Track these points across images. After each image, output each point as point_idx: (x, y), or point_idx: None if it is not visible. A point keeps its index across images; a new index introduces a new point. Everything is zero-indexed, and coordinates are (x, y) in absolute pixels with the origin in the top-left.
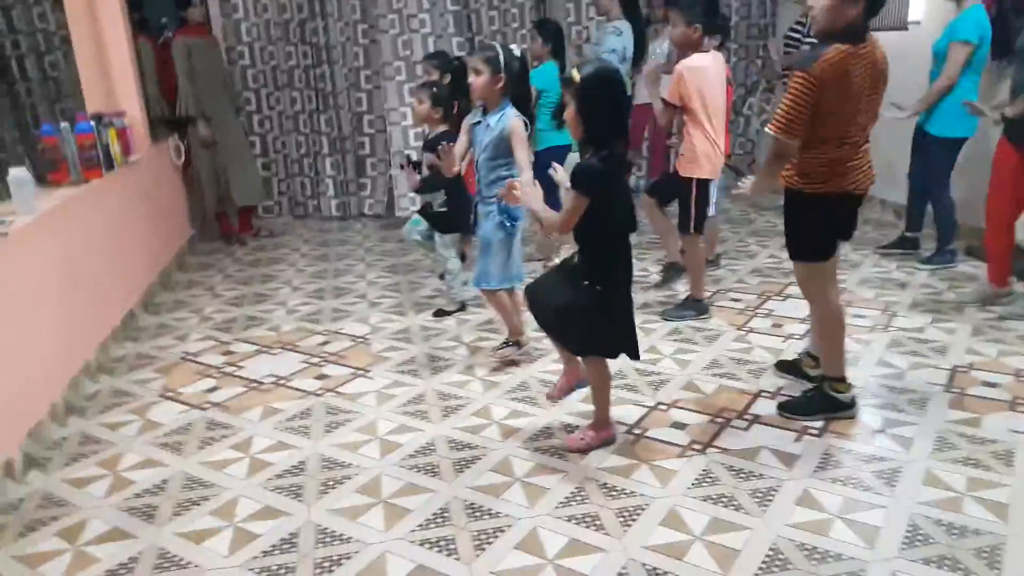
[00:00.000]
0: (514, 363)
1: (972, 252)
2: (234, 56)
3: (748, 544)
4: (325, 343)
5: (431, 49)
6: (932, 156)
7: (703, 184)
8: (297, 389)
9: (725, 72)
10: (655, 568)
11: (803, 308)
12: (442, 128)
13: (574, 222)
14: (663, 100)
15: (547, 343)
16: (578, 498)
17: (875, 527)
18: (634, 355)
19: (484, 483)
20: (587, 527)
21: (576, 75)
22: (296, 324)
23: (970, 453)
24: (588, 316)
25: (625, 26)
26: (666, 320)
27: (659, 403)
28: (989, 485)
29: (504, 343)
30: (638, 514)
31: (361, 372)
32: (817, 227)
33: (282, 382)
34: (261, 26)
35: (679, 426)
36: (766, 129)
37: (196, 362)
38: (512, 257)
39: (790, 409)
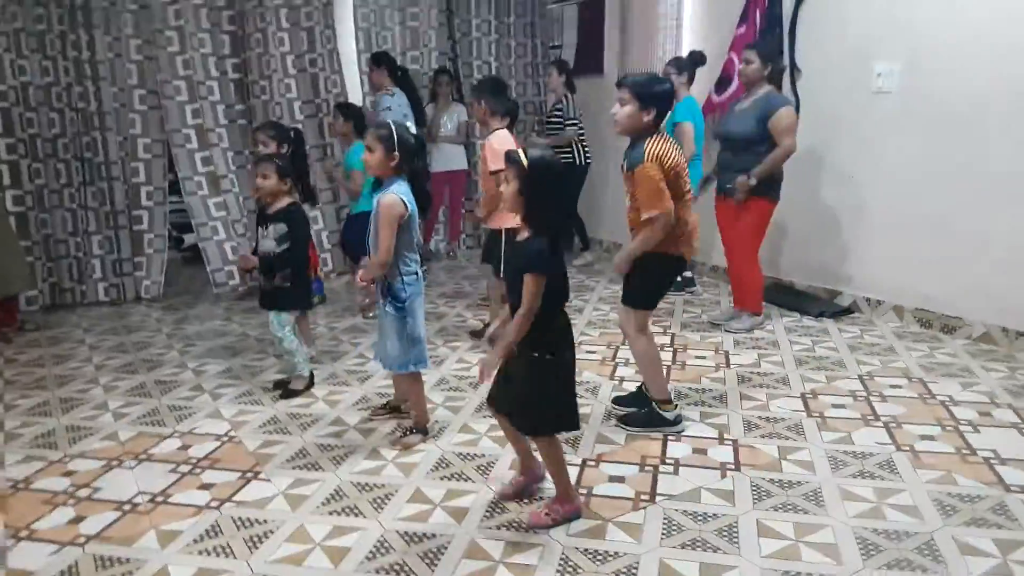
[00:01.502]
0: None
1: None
2: None
3: None
4: (185, 447)
5: (220, 118)
6: None
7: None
8: (185, 505)
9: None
10: None
11: None
12: (288, 201)
13: (537, 304)
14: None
15: (442, 414)
16: (568, 569)
17: (833, 544)
18: (574, 426)
19: (466, 572)
20: None
21: (523, 156)
22: (136, 429)
23: (861, 467)
24: (539, 388)
25: (397, 90)
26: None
27: (585, 460)
28: (893, 492)
29: (408, 430)
30: (633, 574)
31: (251, 475)
32: (662, 282)
33: (160, 499)
34: (18, 89)
35: (617, 479)
36: (647, 215)
37: (34, 490)
38: (413, 339)
39: (628, 423)
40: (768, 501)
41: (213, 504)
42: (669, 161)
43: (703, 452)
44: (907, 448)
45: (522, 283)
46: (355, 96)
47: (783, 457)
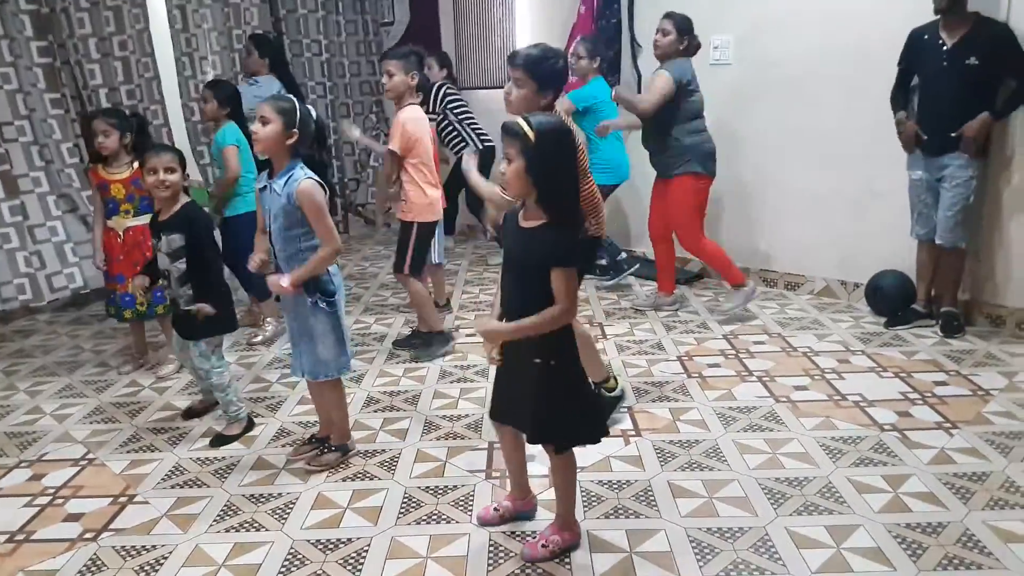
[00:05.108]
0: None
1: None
2: None
3: (671, 541)
4: (37, 476)
5: (21, 108)
6: None
7: (426, 228)
8: (53, 540)
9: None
10: None
11: None
12: (184, 200)
13: (575, 299)
14: (389, 151)
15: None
16: (501, 554)
17: (743, 497)
18: (595, 438)
19: (393, 573)
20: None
21: (525, 125)
22: None
23: (749, 421)
24: (547, 397)
25: (266, 78)
26: (417, 361)
27: (492, 442)
28: (783, 441)
29: (325, 447)
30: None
31: (124, 499)
32: None
33: (21, 537)
34: None
35: (528, 457)
36: None
37: None
38: (344, 337)
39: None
40: (674, 462)
41: (87, 536)
42: None
43: None
44: (784, 399)
45: (532, 281)
46: (169, 82)
47: (676, 418)
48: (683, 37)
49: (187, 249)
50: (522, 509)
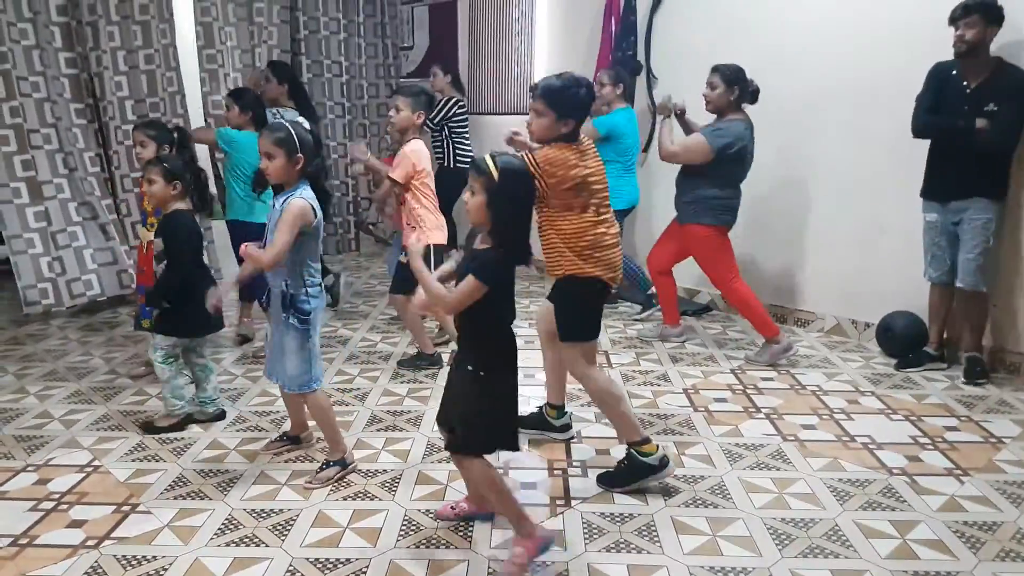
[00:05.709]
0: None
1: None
2: None
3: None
4: (43, 481)
5: (48, 117)
6: None
7: (441, 249)
8: (56, 546)
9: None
10: None
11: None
12: (180, 206)
13: (464, 306)
14: (391, 179)
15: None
16: None
17: (748, 536)
18: (513, 447)
19: None
20: None
21: (491, 164)
22: None
23: (756, 459)
24: (466, 404)
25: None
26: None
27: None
28: (790, 481)
29: (325, 463)
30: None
31: (127, 507)
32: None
33: (25, 541)
34: None
35: (529, 486)
36: None
37: None
38: (314, 355)
39: (607, 482)
40: (678, 497)
41: (89, 543)
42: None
43: (606, 452)
44: (792, 438)
45: None
46: (193, 97)
47: (682, 452)
48: (732, 88)
49: (166, 252)
50: (477, 512)
